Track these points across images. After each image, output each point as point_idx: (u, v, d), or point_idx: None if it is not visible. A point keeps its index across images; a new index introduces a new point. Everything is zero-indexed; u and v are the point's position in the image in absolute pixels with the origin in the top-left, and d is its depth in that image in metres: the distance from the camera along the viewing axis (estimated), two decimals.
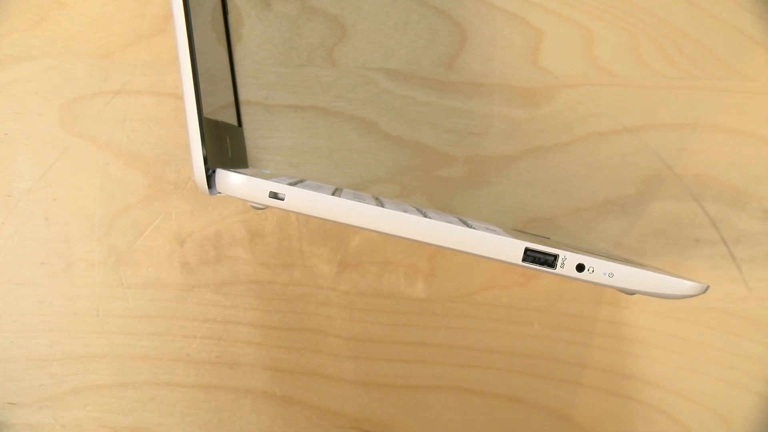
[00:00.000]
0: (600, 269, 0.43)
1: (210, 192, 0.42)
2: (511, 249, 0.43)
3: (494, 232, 0.44)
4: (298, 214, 0.43)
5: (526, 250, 0.43)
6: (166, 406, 0.62)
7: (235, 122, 0.57)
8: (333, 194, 0.43)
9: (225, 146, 0.49)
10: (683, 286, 0.43)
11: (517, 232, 0.51)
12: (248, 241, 0.61)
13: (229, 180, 0.42)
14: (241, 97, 0.60)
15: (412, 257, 0.61)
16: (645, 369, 0.62)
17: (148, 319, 0.61)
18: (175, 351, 0.61)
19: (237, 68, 0.60)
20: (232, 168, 0.43)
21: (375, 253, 0.61)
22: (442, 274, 0.61)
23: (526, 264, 0.43)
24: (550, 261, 0.43)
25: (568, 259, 0.43)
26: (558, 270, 0.43)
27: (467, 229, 0.43)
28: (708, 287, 0.43)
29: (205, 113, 0.44)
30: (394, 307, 0.61)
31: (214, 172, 0.43)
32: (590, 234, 0.61)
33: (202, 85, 0.44)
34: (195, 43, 0.43)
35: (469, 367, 0.62)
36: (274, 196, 0.42)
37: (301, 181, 0.46)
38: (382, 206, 0.43)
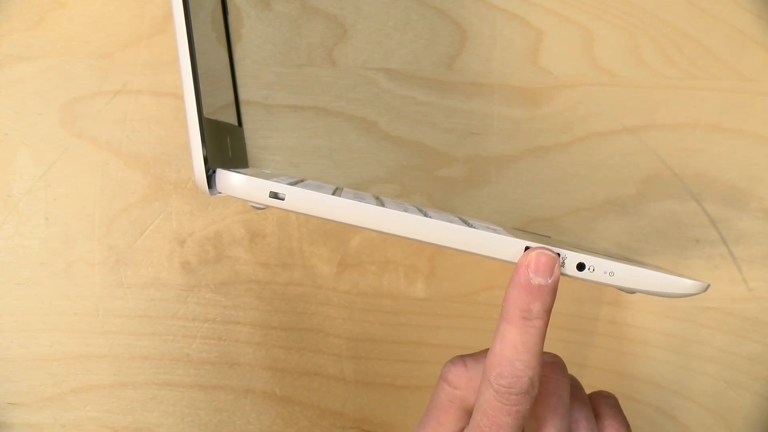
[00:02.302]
0: (600, 268, 0.43)
1: (210, 192, 0.42)
2: (512, 248, 0.43)
3: (495, 231, 0.43)
4: (298, 214, 0.42)
5: (527, 249, 0.43)
6: (166, 406, 0.61)
7: (235, 122, 0.57)
8: (333, 194, 0.42)
9: (225, 146, 0.49)
10: (684, 284, 0.42)
11: (518, 231, 0.51)
12: (248, 241, 0.60)
13: (230, 180, 0.42)
14: (241, 97, 0.60)
15: (412, 257, 0.61)
16: (645, 369, 0.62)
17: (148, 319, 0.61)
18: (175, 351, 0.61)
19: (237, 68, 0.60)
20: (233, 168, 0.43)
21: (375, 253, 0.61)
22: (442, 274, 0.61)
23: None
24: None
25: (568, 258, 0.43)
26: None
27: (468, 228, 0.42)
28: (708, 286, 0.43)
29: (205, 113, 0.44)
30: (394, 307, 0.61)
31: (214, 172, 0.42)
32: (590, 234, 0.61)
33: (202, 85, 0.43)
34: (195, 43, 0.42)
35: None
36: (274, 196, 0.41)
37: (302, 181, 0.46)
38: (383, 206, 0.43)
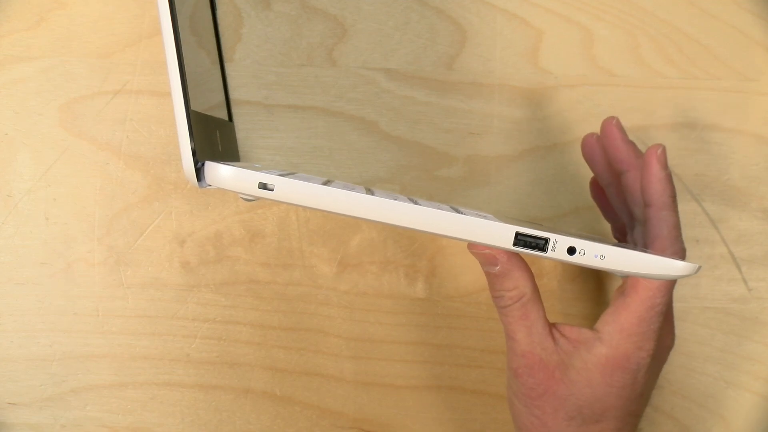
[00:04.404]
0: (591, 252, 0.41)
1: (199, 185, 0.40)
2: (502, 233, 0.41)
3: (485, 218, 0.42)
4: (290, 206, 0.40)
5: (517, 234, 0.41)
6: (166, 406, 0.59)
7: (225, 118, 0.55)
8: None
9: (215, 140, 0.47)
10: (675, 266, 0.41)
11: (510, 219, 0.49)
12: (248, 241, 0.58)
13: (219, 172, 0.40)
14: (242, 97, 0.57)
15: (412, 257, 0.58)
16: None
17: (148, 319, 0.58)
18: (175, 351, 0.58)
19: (237, 68, 0.57)
20: (223, 161, 0.40)
21: (375, 253, 0.58)
22: (442, 274, 0.59)
23: (517, 248, 0.41)
24: (541, 245, 0.41)
25: (558, 243, 0.41)
26: (549, 253, 0.41)
27: (457, 214, 0.41)
28: (700, 267, 0.41)
29: (197, 110, 0.42)
30: (394, 307, 0.59)
31: (203, 165, 0.40)
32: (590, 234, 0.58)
33: (193, 84, 0.42)
34: (182, 37, 0.41)
35: (469, 367, 0.59)
36: (263, 186, 0.39)
37: (292, 174, 0.43)
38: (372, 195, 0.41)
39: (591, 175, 0.57)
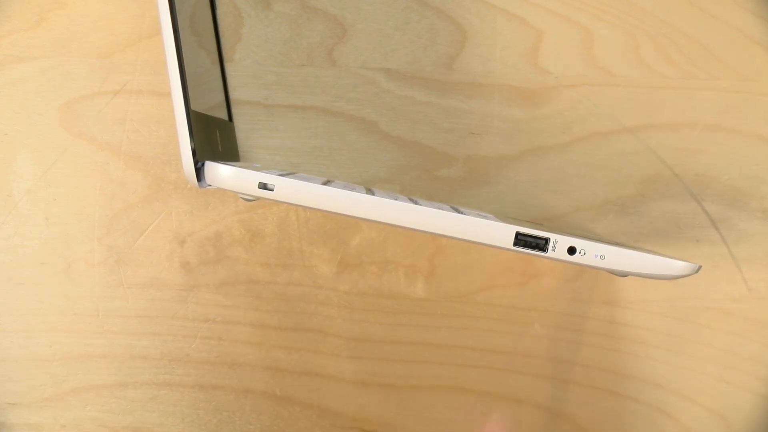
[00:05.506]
0: (591, 251, 0.41)
1: (199, 185, 0.41)
2: (502, 233, 0.41)
3: (486, 218, 0.42)
4: (290, 206, 0.40)
5: (517, 234, 0.41)
6: (166, 406, 0.59)
7: (225, 118, 0.55)
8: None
9: (215, 140, 0.47)
10: (675, 266, 0.41)
11: (510, 219, 0.49)
12: (248, 241, 0.58)
13: (219, 172, 0.40)
14: (242, 97, 0.57)
15: (412, 257, 0.58)
16: (645, 369, 0.60)
17: (148, 319, 0.58)
18: (175, 351, 0.58)
19: (237, 68, 0.57)
20: (223, 161, 0.40)
21: (375, 253, 0.58)
22: (442, 274, 0.58)
23: (517, 248, 0.42)
24: (541, 245, 0.42)
25: (559, 242, 0.41)
26: (549, 253, 0.41)
27: (457, 214, 0.41)
28: (700, 267, 0.41)
29: (197, 110, 0.42)
30: (394, 307, 0.59)
31: (203, 165, 0.41)
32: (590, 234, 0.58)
33: (192, 84, 0.42)
34: (182, 37, 0.41)
35: (469, 367, 0.59)
36: (263, 186, 0.40)
37: (292, 174, 0.43)
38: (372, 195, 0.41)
39: (590, 175, 0.58)
